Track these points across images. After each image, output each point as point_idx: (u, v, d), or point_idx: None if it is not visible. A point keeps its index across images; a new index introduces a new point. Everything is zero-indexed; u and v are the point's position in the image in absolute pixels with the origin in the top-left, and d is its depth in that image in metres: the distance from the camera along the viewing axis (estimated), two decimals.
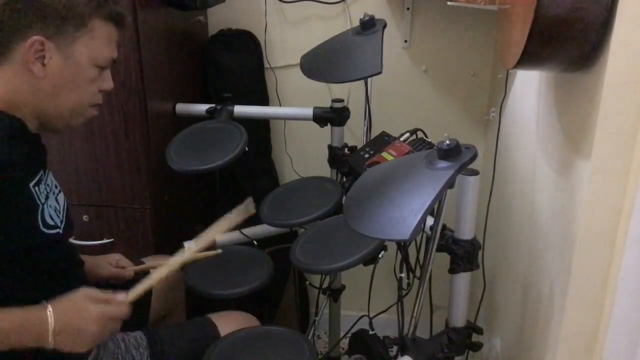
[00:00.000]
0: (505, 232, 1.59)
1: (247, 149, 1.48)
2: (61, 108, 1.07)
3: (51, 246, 1.09)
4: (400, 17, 1.85)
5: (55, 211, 1.10)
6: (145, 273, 1.44)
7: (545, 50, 0.93)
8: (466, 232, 1.17)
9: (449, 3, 1.45)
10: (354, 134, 1.92)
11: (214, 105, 1.70)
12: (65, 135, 1.53)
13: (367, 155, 1.41)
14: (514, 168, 1.52)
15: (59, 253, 1.13)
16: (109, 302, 1.06)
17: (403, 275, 1.28)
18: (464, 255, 1.16)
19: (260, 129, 1.98)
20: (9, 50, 1.01)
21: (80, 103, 1.10)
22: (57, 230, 1.09)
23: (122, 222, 1.61)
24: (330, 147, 1.70)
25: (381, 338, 1.37)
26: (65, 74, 1.05)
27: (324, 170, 1.74)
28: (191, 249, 1.27)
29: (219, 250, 1.41)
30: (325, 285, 1.80)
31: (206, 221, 1.82)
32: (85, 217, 1.60)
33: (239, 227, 1.67)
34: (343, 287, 1.87)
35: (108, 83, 1.13)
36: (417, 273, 1.28)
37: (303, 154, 2.05)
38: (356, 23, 1.48)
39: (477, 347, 1.26)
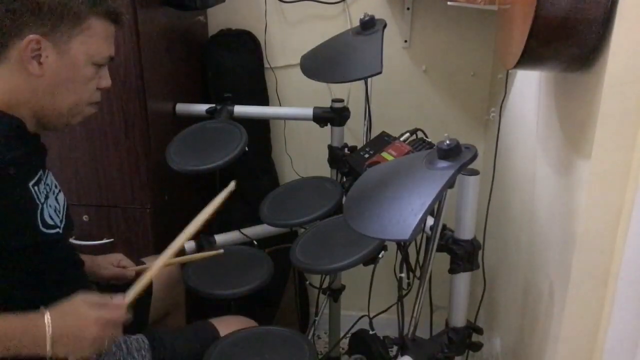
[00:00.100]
0: (505, 232, 1.59)
1: (247, 149, 1.48)
2: (59, 106, 1.07)
3: (51, 246, 1.09)
4: (400, 17, 1.85)
5: (55, 211, 1.10)
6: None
7: (545, 50, 0.93)
8: (466, 232, 1.17)
9: (449, 3, 1.45)
10: (354, 134, 1.92)
11: (214, 105, 1.70)
12: (65, 135, 1.53)
13: (367, 155, 1.41)
14: (514, 168, 1.52)
15: (59, 253, 1.13)
16: (107, 306, 1.04)
17: (403, 275, 1.28)
18: (464, 255, 1.16)
19: (260, 129, 1.98)
20: (5, 49, 1.01)
21: (79, 101, 1.09)
22: (57, 230, 1.09)
23: (122, 222, 1.61)
24: (330, 147, 1.70)
25: (381, 338, 1.37)
26: (63, 73, 1.04)
27: (324, 170, 1.74)
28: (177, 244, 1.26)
29: (221, 250, 1.41)
30: (325, 285, 1.80)
31: (206, 221, 1.82)
32: (85, 217, 1.60)
33: (238, 227, 1.68)
34: (343, 287, 1.87)
35: (106, 81, 1.13)
36: (417, 273, 1.28)
37: (303, 154, 2.05)
38: (356, 23, 1.48)
39: (477, 347, 1.26)
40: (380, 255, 1.22)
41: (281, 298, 2.04)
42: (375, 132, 1.54)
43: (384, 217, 0.92)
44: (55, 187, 1.14)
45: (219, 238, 1.63)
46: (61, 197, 1.15)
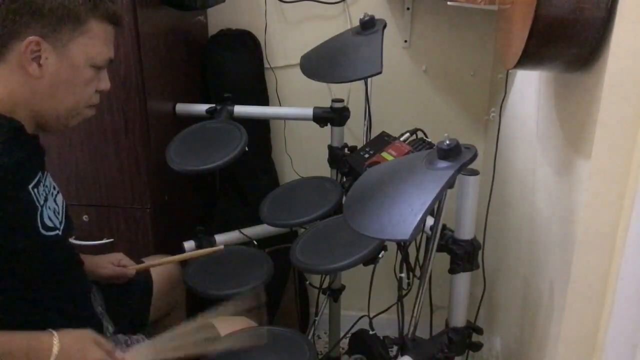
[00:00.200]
0: (505, 232, 1.59)
1: (247, 149, 1.48)
2: (58, 108, 1.07)
3: (50, 248, 1.08)
4: (400, 17, 1.85)
5: (54, 213, 1.10)
6: (146, 271, 1.44)
7: (545, 50, 0.93)
8: (466, 232, 1.17)
9: (449, 3, 1.45)
10: (354, 134, 1.92)
11: (214, 105, 1.70)
12: (65, 136, 1.53)
13: (367, 155, 1.41)
14: (514, 168, 1.52)
15: (58, 254, 1.12)
16: (112, 355, 1.06)
17: (403, 275, 1.28)
18: (464, 255, 1.16)
19: (260, 129, 1.98)
20: (5, 51, 1.01)
21: (78, 103, 1.09)
22: (57, 232, 1.09)
23: (122, 222, 1.61)
24: (330, 147, 1.70)
25: (381, 338, 1.37)
26: (62, 74, 1.04)
27: (324, 170, 1.74)
28: None
29: (221, 247, 1.41)
30: (325, 285, 1.80)
31: (206, 221, 1.83)
32: (85, 217, 1.60)
33: (238, 227, 1.68)
34: (343, 287, 1.87)
35: (105, 83, 1.13)
36: (417, 273, 1.28)
37: (303, 154, 2.05)
38: (356, 23, 1.48)
39: (477, 347, 1.26)
40: (380, 255, 1.22)
41: (281, 298, 2.04)
42: (375, 132, 1.54)
43: (384, 217, 0.92)
44: (54, 188, 1.14)
45: (219, 238, 1.63)
46: (60, 198, 1.15)
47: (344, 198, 1.49)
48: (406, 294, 1.29)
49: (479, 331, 1.25)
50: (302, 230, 1.49)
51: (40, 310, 1.08)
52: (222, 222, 1.87)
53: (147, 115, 1.53)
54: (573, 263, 0.99)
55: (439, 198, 0.92)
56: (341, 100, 1.66)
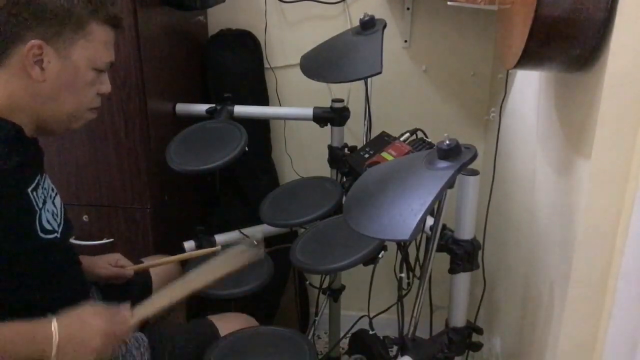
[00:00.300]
0: (505, 232, 1.59)
1: (247, 149, 1.48)
2: (60, 112, 1.07)
3: (49, 250, 1.08)
4: (400, 17, 1.85)
5: (52, 215, 1.10)
6: (146, 271, 1.44)
7: (545, 50, 0.93)
8: (466, 232, 1.17)
9: (449, 3, 1.45)
10: (354, 134, 1.92)
11: (214, 105, 1.70)
12: (65, 136, 1.53)
13: (367, 155, 1.41)
14: (514, 168, 1.52)
15: (57, 256, 1.12)
16: (114, 319, 1.05)
17: (403, 275, 1.28)
18: (464, 255, 1.16)
19: (260, 129, 1.98)
20: (6, 55, 1.01)
21: (79, 107, 1.09)
22: (55, 234, 1.09)
23: (122, 222, 1.61)
24: (330, 147, 1.70)
25: (381, 338, 1.37)
26: (64, 78, 1.05)
27: (324, 170, 1.74)
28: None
29: (218, 247, 1.41)
30: (325, 285, 1.80)
31: (206, 221, 1.83)
32: (85, 217, 1.60)
33: (238, 227, 1.68)
34: (343, 287, 1.87)
35: (106, 86, 1.13)
36: (417, 273, 1.28)
37: (303, 154, 2.05)
38: (356, 23, 1.48)
39: (477, 347, 1.26)
40: (380, 255, 1.22)
41: (281, 298, 2.04)
42: (375, 132, 1.54)
43: (384, 217, 0.92)
44: (52, 190, 1.14)
45: (219, 238, 1.63)
46: (58, 200, 1.15)
47: (344, 198, 1.49)
48: (406, 294, 1.29)
49: (479, 331, 1.25)
50: (302, 230, 1.49)
51: (39, 311, 1.08)
52: (222, 222, 1.87)
53: (147, 115, 1.53)
54: (573, 263, 0.99)
55: (439, 198, 0.92)
56: (341, 100, 1.66)
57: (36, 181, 1.06)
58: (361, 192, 1.03)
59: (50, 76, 1.03)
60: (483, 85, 1.90)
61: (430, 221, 1.19)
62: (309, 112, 1.68)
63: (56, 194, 1.15)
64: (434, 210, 1.12)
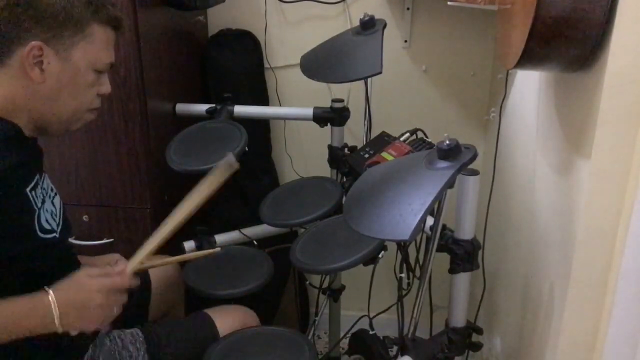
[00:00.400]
0: (505, 232, 1.59)
1: (247, 149, 1.48)
2: (60, 113, 1.07)
3: (48, 250, 1.09)
4: (400, 17, 1.85)
5: (51, 215, 1.10)
6: (145, 273, 1.44)
7: (545, 50, 0.93)
8: (466, 232, 1.17)
9: (449, 3, 1.45)
10: (354, 134, 1.92)
11: (214, 105, 1.70)
12: (65, 136, 1.52)
13: (367, 155, 1.41)
14: (514, 168, 1.52)
15: (56, 256, 1.13)
16: (109, 274, 1.07)
17: (403, 275, 1.28)
18: (464, 255, 1.16)
19: (260, 129, 1.98)
20: (7, 56, 1.01)
21: (79, 108, 1.10)
22: (54, 234, 1.09)
23: (122, 222, 1.61)
24: (330, 147, 1.70)
25: (381, 338, 1.37)
26: (64, 79, 1.05)
27: (324, 170, 1.74)
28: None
29: (218, 249, 1.41)
30: (325, 285, 1.80)
31: (206, 221, 1.82)
32: (85, 217, 1.60)
33: (238, 227, 1.68)
34: (343, 287, 1.87)
35: (106, 87, 1.13)
36: (417, 273, 1.28)
37: (303, 154, 2.05)
38: (356, 23, 1.48)
39: (477, 347, 1.26)
40: (380, 255, 1.22)
41: (281, 298, 2.04)
42: (375, 132, 1.54)
43: (384, 217, 0.92)
44: (52, 190, 1.14)
45: (219, 238, 1.63)
46: (57, 200, 1.15)
47: (344, 198, 1.49)
48: (406, 294, 1.29)
49: (479, 331, 1.25)
50: (302, 230, 1.49)
51: None
52: (222, 222, 1.86)
53: (147, 115, 1.53)
54: (573, 263, 0.99)
55: (439, 198, 0.92)
56: (341, 100, 1.66)
57: (35, 181, 1.06)
58: (361, 192, 1.03)
59: (50, 77, 1.03)
60: (483, 85, 1.90)
61: (430, 221, 1.19)
62: (309, 112, 1.68)
63: (56, 194, 1.15)
64: (434, 210, 1.12)
